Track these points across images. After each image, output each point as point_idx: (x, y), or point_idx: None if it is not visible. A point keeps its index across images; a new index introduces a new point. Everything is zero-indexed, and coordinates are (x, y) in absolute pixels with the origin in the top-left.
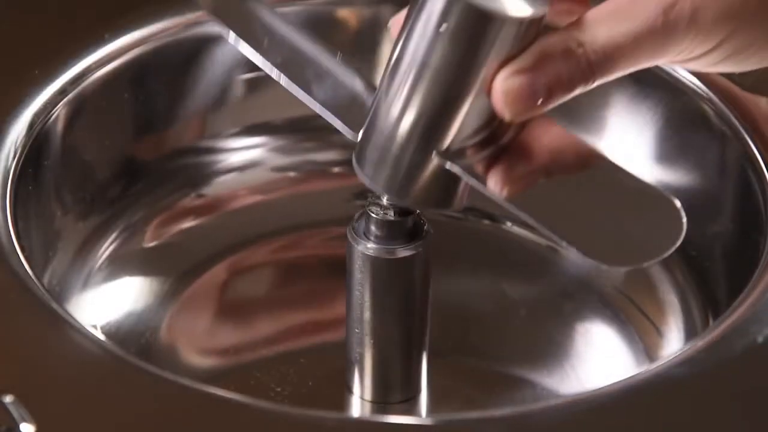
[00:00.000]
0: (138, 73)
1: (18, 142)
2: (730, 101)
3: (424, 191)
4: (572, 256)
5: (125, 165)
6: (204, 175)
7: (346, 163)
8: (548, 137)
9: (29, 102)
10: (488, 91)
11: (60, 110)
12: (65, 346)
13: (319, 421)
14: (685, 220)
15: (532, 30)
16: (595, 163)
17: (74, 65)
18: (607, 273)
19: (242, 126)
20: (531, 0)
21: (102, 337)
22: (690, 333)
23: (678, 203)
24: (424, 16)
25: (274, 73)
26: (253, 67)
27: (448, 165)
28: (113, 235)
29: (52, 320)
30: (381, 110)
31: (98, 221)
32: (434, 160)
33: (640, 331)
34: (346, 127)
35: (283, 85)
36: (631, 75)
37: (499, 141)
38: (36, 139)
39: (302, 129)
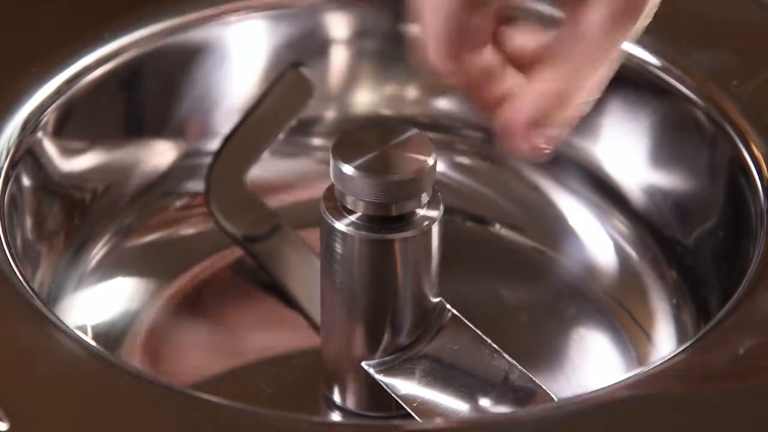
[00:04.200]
0: (136, 73)
1: (11, 142)
2: (723, 107)
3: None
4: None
5: (119, 165)
6: (199, 176)
7: None
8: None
9: (24, 101)
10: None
11: (55, 110)
12: (49, 347)
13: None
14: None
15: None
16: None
17: (72, 64)
18: (599, 279)
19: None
20: None
21: (94, 336)
22: (681, 342)
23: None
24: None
25: None
26: (252, 68)
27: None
28: (107, 236)
29: (37, 321)
30: None
31: (92, 221)
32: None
33: (633, 339)
34: None
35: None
36: (626, 81)
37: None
38: (29, 138)
39: (300, 131)
